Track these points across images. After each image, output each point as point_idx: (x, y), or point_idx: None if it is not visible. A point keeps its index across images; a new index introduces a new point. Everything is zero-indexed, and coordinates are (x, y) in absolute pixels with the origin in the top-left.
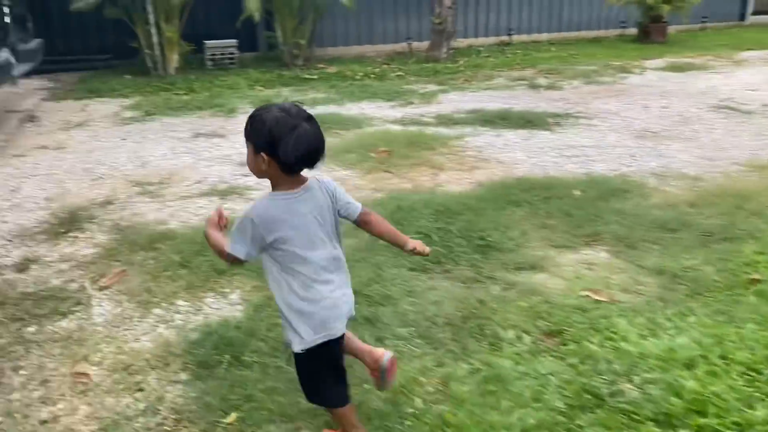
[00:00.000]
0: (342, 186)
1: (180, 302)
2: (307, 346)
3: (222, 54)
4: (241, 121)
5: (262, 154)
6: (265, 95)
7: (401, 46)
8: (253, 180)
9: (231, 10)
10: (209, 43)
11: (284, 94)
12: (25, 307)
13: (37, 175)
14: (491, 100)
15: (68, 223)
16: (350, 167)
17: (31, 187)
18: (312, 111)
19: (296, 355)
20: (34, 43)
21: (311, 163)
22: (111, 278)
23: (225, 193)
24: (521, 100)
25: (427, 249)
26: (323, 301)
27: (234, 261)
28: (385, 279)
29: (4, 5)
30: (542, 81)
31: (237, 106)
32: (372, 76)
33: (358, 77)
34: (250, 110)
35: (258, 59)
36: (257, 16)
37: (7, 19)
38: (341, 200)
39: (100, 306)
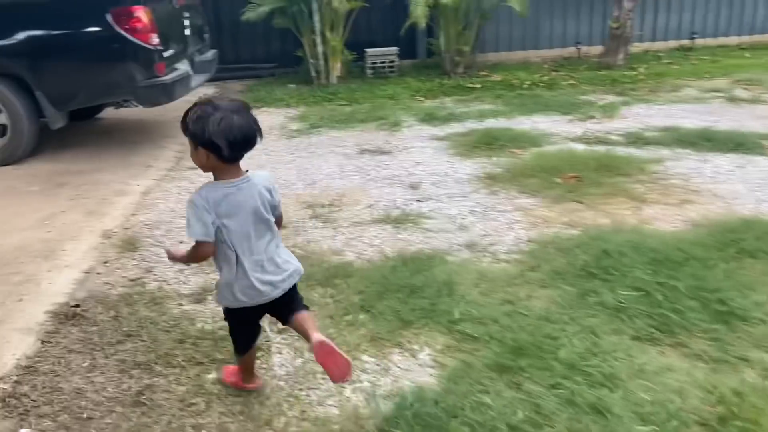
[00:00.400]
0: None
1: (365, 357)
2: (229, 306)
3: (382, 62)
4: (405, 136)
5: (201, 148)
6: (428, 107)
7: (569, 50)
8: (427, 206)
9: (391, 17)
10: (370, 51)
11: (447, 106)
12: (203, 349)
13: None
14: (685, 116)
15: None
16: (533, 194)
17: None
18: (480, 125)
19: (224, 311)
20: (210, 54)
21: (243, 150)
22: None
23: (399, 221)
24: (722, 117)
25: None
26: (247, 282)
27: (200, 251)
28: (604, 350)
29: (185, 17)
30: (742, 93)
31: (401, 120)
32: (541, 84)
33: (525, 86)
34: (415, 124)
35: (417, 67)
36: (423, 22)
37: (188, 31)
38: (275, 199)
39: (280, 354)
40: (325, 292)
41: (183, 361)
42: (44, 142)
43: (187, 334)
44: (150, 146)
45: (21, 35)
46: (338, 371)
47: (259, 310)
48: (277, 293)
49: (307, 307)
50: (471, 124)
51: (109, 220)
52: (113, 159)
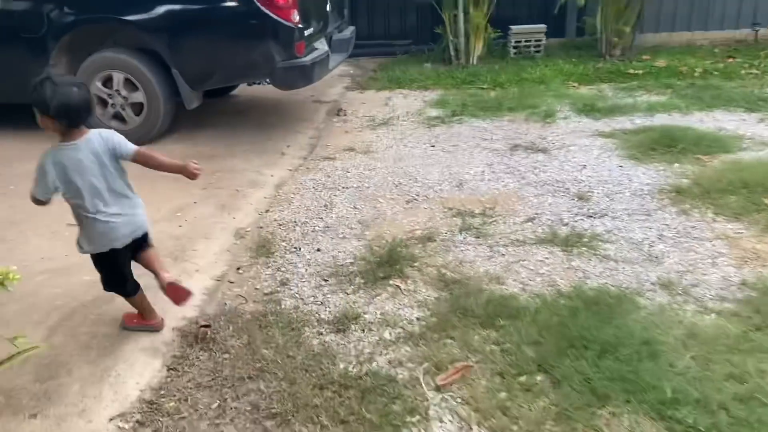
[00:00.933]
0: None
1: None
2: (88, 253)
3: (528, 41)
4: (562, 131)
5: (44, 116)
6: (584, 95)
7: (743, 33)
8: (603, 225)
9: None
10: (515, 28)
11: (607, 94)
12: (349, 401)
13: (348, 188)
14: None
15: (387, 263)
16: (736, 218)
17: (343, 203)
18: (651, 120)
19: (94, 261)
20: (348, 32)
21: (80, 117)
22: (450, 375)
23: (569, 243)
24: None
25: (194, 167)
26: (97, 226)
27: (38, 203)
28: None
29: None
30: None
31: (554, 109)
32: (715, 73)
33: (696, 74)
34: (572, 116)
35: (565, 47)
36: None
37: (328, 7)
38: (117, 145)
39: (441, 422)
40: (488, 336)
41: (325, 417)
42: (178, 120)
43: (328, 378)
44: (284, 130)
45: (159, 9)
46: (181, 299)
47: (123, 252)
48: (135, 234)
49: (151, 245)
50: (640, 120)
51: (242, 216)
52: (246, 143)
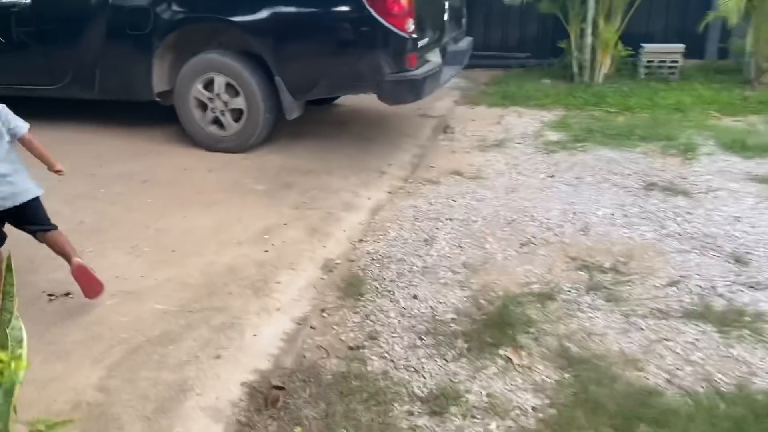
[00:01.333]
0: None
1: None
2: None
3: (661, 61)
4: (706, 170)
5: None
6: (731, 128)
7: None
8: None
9: (677, 6)
10: (648, 47)
11: (759, 129)
12: None
13: (453, 220)
14: None
15: (496, 325)
16: None
17: (446, 239)
18: None
19: None
20: (465, 43)
21: None
22: None
23: (726, 321)
24: None
25: (56, 171)
26: None
27: None
28: None
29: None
30: None
31: (695, 143)
32: None
33: None
34: (717, 152)
35: (703, 70)
36: (735, 17)
37: (446, 15)
38: (10, 122)
39: None
40: None
41: None
42: (276, 128)
43: None
44: (386, 146)
45: (267, 12)
46: (92, 290)
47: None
48: (15, 200)
49: (55, 227)
50: None
51: (333, 244)
52: (345, 159)
